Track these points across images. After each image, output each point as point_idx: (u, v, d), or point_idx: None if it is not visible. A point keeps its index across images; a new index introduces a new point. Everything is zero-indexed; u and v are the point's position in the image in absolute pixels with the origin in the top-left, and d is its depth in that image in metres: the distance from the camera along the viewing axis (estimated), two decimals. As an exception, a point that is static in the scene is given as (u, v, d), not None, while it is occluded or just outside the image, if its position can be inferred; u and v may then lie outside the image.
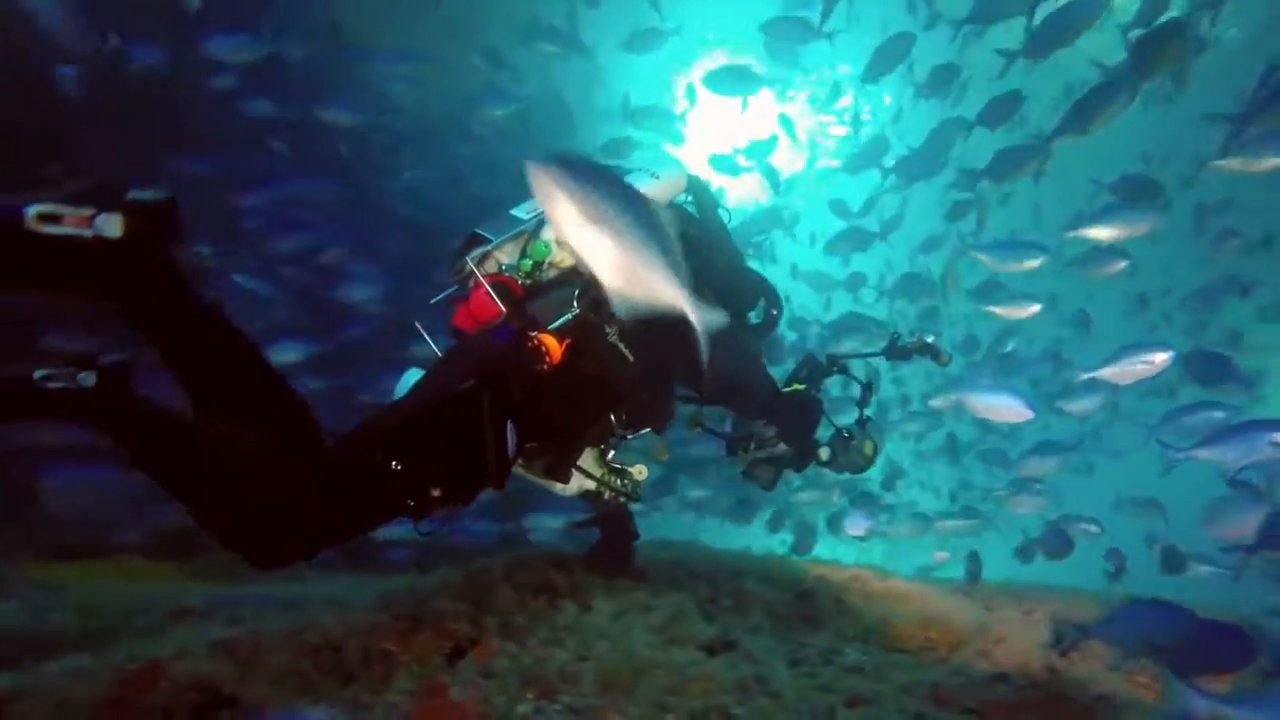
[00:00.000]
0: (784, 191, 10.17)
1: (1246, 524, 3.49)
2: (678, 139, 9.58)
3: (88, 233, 1.43)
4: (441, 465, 1.79)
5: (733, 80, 7.83)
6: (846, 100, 12.75)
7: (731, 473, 6.28)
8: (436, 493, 1.78)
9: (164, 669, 1.50)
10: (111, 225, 1.45)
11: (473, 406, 1.80)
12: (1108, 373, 4.20)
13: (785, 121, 10.17)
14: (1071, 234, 4.99)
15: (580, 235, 1.35)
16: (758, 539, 6.65)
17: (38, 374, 1.50)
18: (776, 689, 1.73)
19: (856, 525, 5.00)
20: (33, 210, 1.39)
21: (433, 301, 2.23)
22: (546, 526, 5.06)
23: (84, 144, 4.42)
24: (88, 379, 1.53)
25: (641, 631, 1.95)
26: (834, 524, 5.45)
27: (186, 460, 1.58)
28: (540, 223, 2.07)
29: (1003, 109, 5.80)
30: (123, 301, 1.53)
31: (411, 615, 1.94)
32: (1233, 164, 4.60)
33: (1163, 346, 4.16)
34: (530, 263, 2.01)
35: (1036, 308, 5.41)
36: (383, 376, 4.61)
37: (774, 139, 9.99)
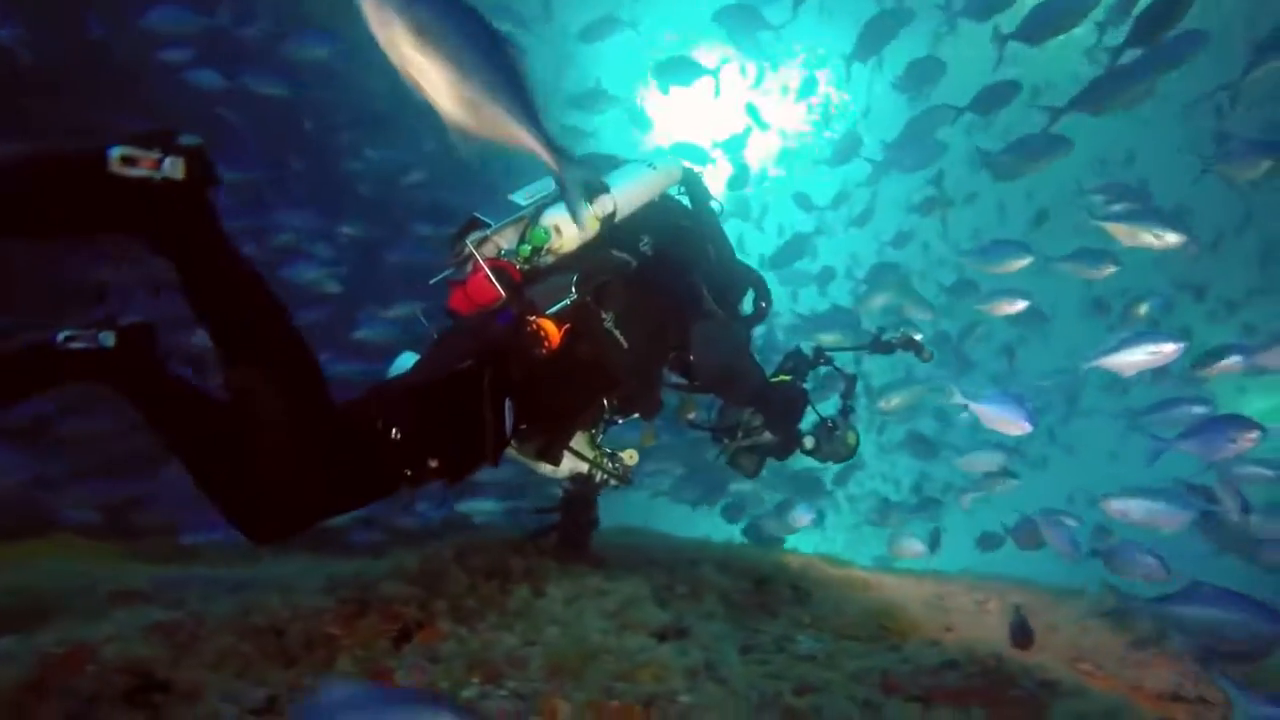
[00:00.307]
0: (753, 184, 10.22)
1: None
2: (645, 125, 9.55)
3: (157, 175, 1.50)
4: (440, 437, 1.82)
5: (678, 71, 7.79)
6: (818, 97, 12.83)
7: (693, 460, 6.34)
8: (434, 464, 1.81)
9: (93, 652, 1.45)
10: (176, 168, 1.52)
11: (473, 383, 1.83)
12: (1113, 361, 4.18)
13: (752, 110, 10.12)
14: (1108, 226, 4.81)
15: (412, 58, 1.25)
16: (717, 527, 6.66)
17: (60, 335, 1.56)
18: (726, 675, 1.73)
19: (802, 517, 5.02)
20: (116, 153, 1.46)
21: (431, 282, 2.23)
22: (482, 510, 5.07)
23: (30, 110, 4.27)
24: (108, 339, 1.60)
25: (594, 617, 1.94)
26: (781, 513, 5.49)
27: (197, 428, 1.62)
28: (539, 209, 2.08)
29: (997, 97, 5.78)
30: (170, 240, 1.56)
31: (358, 599, 1.91)
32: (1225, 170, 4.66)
33: (1171, 337, 4.07)
34: (529, 248, 2.01)
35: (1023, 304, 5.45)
36: (331, 361, 4.57)
37: (748, 131, 10.01)
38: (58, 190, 1.44)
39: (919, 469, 8.96)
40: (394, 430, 1.74)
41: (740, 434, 2.42)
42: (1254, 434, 3.60)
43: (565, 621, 1.90)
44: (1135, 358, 4.13)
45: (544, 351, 1.90)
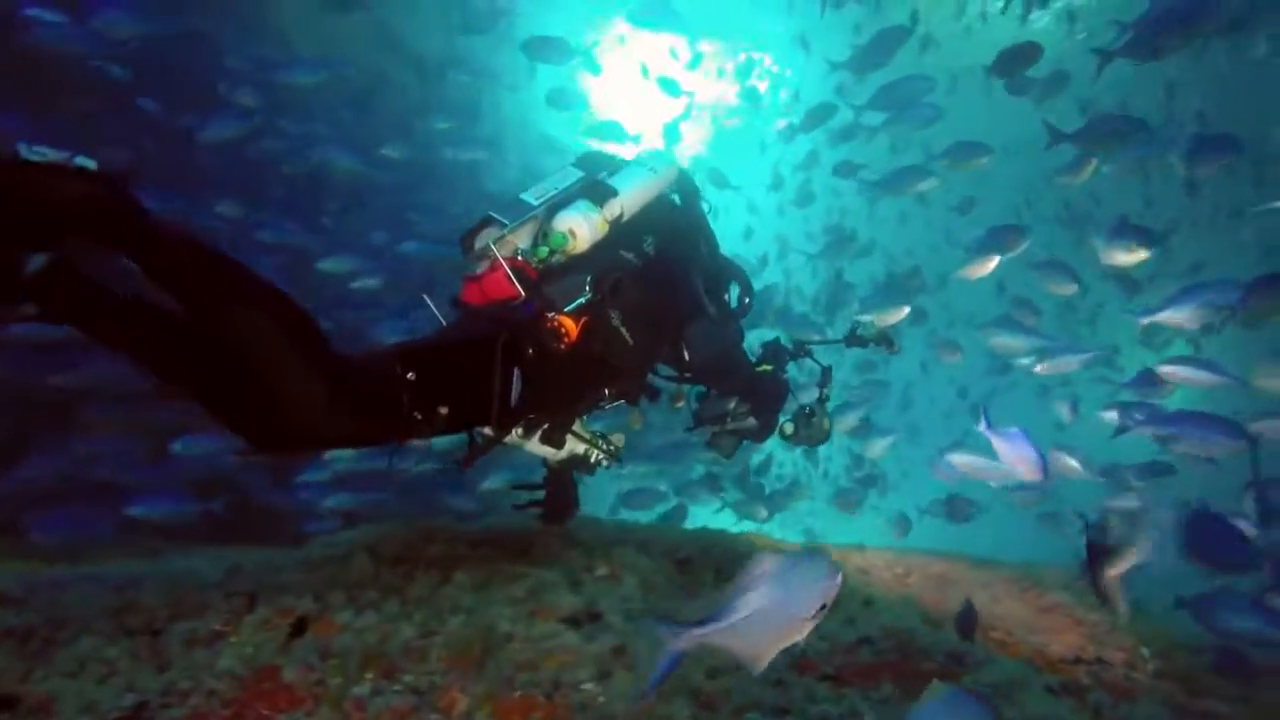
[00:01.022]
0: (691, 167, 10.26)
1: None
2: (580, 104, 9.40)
3: (72, 162, 1.47)
4: (452, 387, 1.89)
5: (548, 49, 7.68)
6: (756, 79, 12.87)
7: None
8: (444, 410, 1.86)
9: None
10: (87, 161, 1.50)
11: (488, 348, 1.93)
12: (1170, 315, 4.21)
13: (667, 83, 9.91)
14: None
15: None
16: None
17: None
18: (636, 661, 1.68)
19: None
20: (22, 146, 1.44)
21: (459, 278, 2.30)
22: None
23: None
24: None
25: (502, 604, 1.87)
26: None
27: (194, 343, 1.62)
28: (550, 210, 2.16)
29: (1018, 59, 5.66)
30: (118, 214, 1.53)
31: (249, 592, 1.79)
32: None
33: (1228, 286, 4.05)
34: (547, 250, 2.11)
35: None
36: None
37: (685, 114, 9.98)
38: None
39: (846, 450, 9.15)
40: (410, 373, 1.80)
41: (729, 419, 2.56)
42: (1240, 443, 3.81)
43: (471, 609, 1.83)
44: (1192, 311, 4.18)
45: (562, 346, 2.00)
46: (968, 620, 1.92)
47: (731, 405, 2.54)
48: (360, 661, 1.53)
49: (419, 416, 1.83)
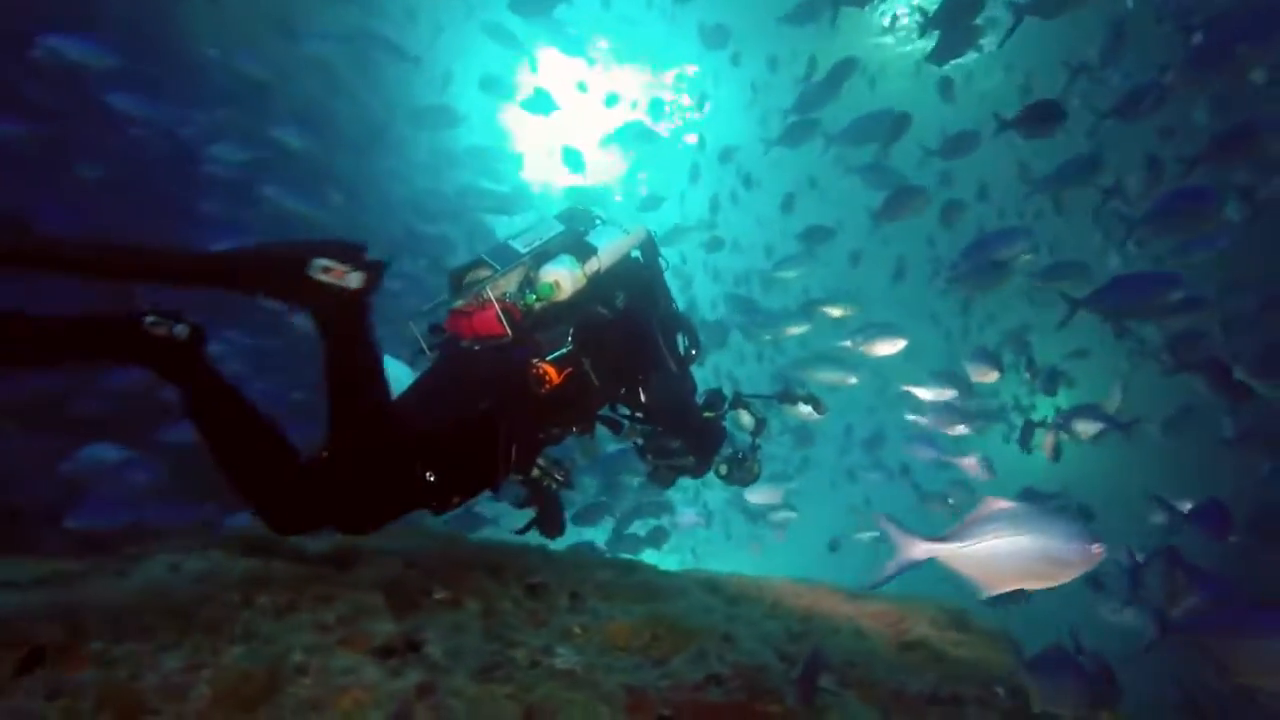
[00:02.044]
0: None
1: None
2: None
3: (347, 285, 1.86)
4: (465, 478, 2.14)
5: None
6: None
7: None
8: (456, 500, 2.13)
9: None
10: (358, 280, 1.90)
11: (491, 430, 2.15)
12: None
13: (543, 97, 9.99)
14: None
15: None
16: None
17: (147, 318, 1.75)
18: (444, 701, 1.49)
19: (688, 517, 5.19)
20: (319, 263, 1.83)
21: (425, 310, 2.56)
22: None
23: None
24: (183, 331, 1.79)
25: (305, 631, 1.64)
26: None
27: (240, 425, 1.86)
28: (537, 260, 2.41)
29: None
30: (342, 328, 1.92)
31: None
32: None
33: None
34: (534, 297, 2.34)
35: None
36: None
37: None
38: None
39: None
40: (429, 474, 2.03)
41: (672, 457, 2.80)
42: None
43: (265, 636, 1.59)
44: None
45: (544, 390, 2.21)
46: (808, 677, 1.81)
47: (675, 444, 2.77)
48: (96, 702, 1.28)
49: (434, 505, 2.11)
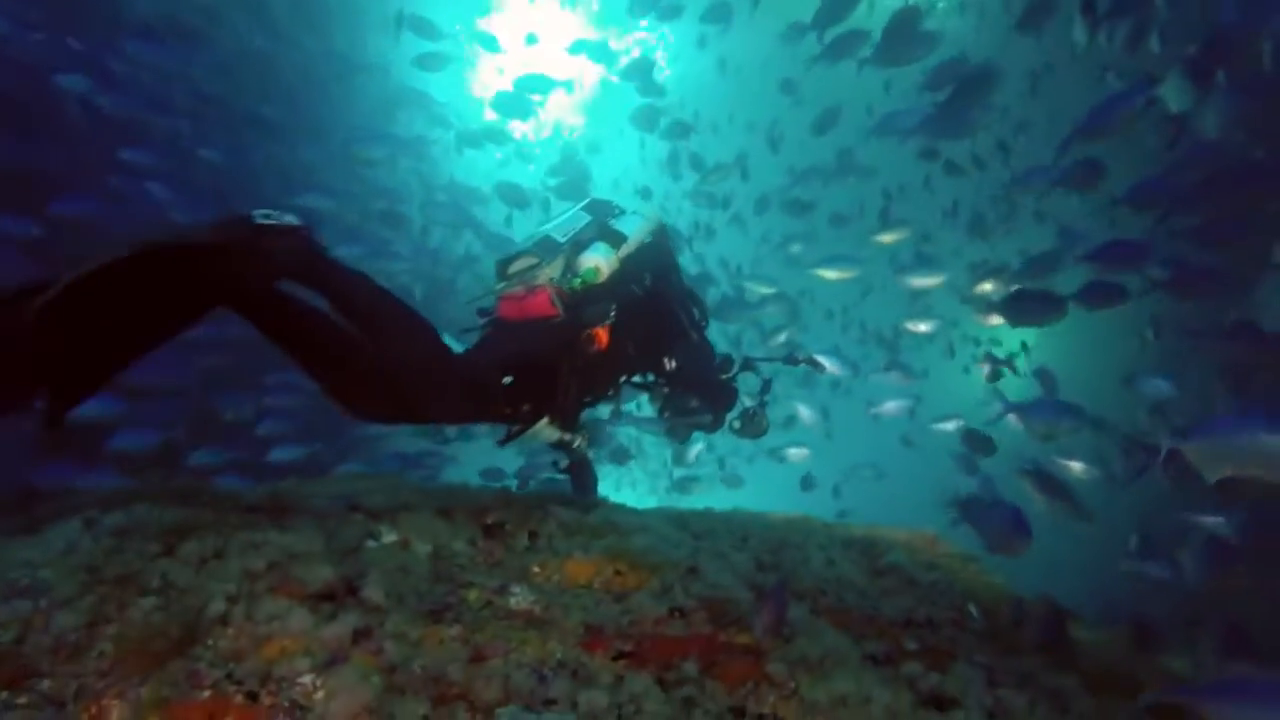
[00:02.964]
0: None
1: None
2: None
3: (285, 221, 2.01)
4: (536, 391, 2.56)
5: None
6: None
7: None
8: (526, 407, 2.56)
9: None
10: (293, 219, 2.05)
11: (557, 364, 2.59)
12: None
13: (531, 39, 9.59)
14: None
15: None
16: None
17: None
18: (382, 645, 1.37)
19: None
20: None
21: (475, 297, 2.96)
22: None
23: None
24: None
25: (231, 579, 1.50)
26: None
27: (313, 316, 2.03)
28: (574, 248, 2.77)
29: None
30: (313, 259, 2.13)
31: None
32: None
33: None
34: (580, 281, 2.68)
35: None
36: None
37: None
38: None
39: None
40: (508, 379, 2.44)
41: (690, 414, 3.19)
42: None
43: (183, 587, 1.45)
44: None
45: (594, 351, 2.59)
46: (775, 606, 1.71)
47: (694, 403, 3.14)
48: (-25, 663, 1.14)
49: (507, 410, 2.53)
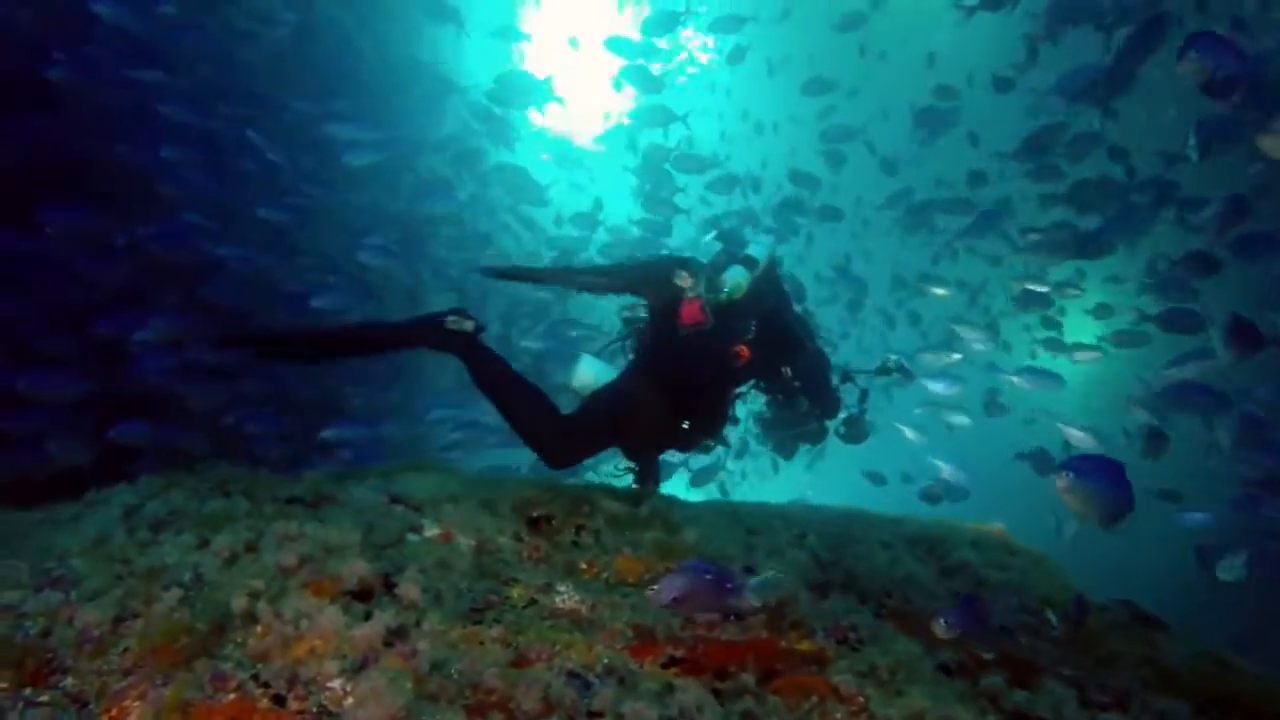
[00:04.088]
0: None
1: None
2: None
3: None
4: (708, 428, 3.05)
5: None
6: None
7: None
8: (699, 438, 3.06)
9: None
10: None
11: (722, 393, 3.06)
12: None
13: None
14: None
15: None
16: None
17: (448, 319, 2.78)
18: (418, 647, 1.28)
19: None
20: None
21: (625, 310, 3.32)
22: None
23: None
24: (470, 325, 2.81)
25: (263, 574, 1.44)
26: None
27: (520, 387, 2.81)
28: (714, 268, 3.05)
29: None
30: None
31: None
32: None
33: None
34: (725, 296, 2.97)
35: None
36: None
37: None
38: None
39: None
40: (686, 423, 2.99)
41: (793, 426, 3.44)
42: None
43: (214, 583, 1.39)
44: None
45: (739, 364, 2.92)
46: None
47: (805, 410, 3.34)
48: (-7, 659, 1.09)
49: (684, 446, 3.13)
